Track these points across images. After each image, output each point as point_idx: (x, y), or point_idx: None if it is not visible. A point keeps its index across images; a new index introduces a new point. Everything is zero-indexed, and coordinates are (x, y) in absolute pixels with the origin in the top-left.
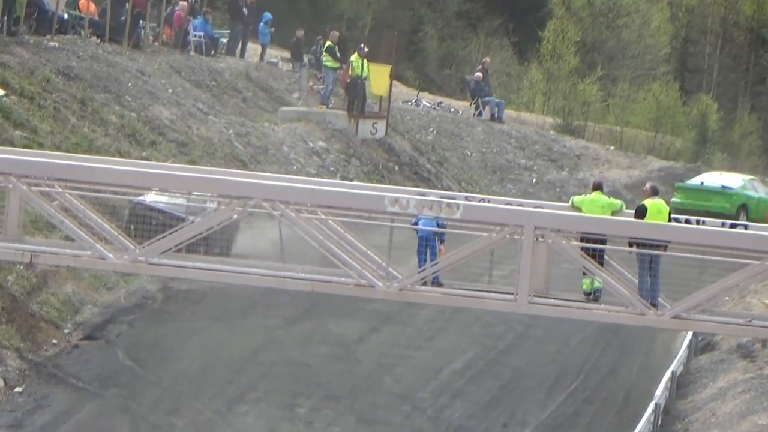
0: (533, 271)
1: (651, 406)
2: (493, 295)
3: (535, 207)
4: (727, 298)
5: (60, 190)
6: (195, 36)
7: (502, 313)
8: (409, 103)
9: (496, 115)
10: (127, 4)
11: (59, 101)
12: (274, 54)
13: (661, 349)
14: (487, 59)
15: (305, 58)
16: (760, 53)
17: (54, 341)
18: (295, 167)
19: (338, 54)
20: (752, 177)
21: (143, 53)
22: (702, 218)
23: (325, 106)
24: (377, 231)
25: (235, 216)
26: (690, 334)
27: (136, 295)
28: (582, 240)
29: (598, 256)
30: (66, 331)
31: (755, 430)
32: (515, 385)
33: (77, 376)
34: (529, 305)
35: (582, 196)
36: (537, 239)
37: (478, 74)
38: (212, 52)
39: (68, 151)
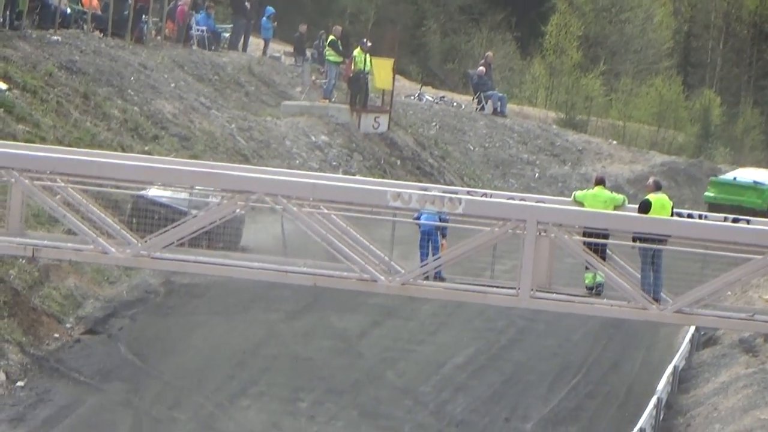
0: (535, 265)
1: (653, 401)
2: (495, 289)
3: (537, 202)
4: (729, 293)
5: (62, 184)
6: (198, 30)
7: (504, 307)
8: (412, 98)
9: (498, 109)
10: None
11: (62, 95)
12: (277, 48)
13: (663, 343)
14: (489, 54)
15: (308, 53)
16: (762, 48)
17: (56, 335)
18: (297, 162)
19: (341, 48)
20: None
21: (146, 47)
22: (704, 213)
23: (327, 101)
24: (379, 226)
25: (238, 210)
26: (692, 329)
27: (139, 289)
28: (584, 235)
29: (600, 251)
30: (68, 325)
31: (757, 425)
32: (517, 379)
33: (79, 370)
34: (532, 300)
35: (584, 190)
36: (539, 234)
37: (481, 69)
38: (214, 47)
39: (71, 146)
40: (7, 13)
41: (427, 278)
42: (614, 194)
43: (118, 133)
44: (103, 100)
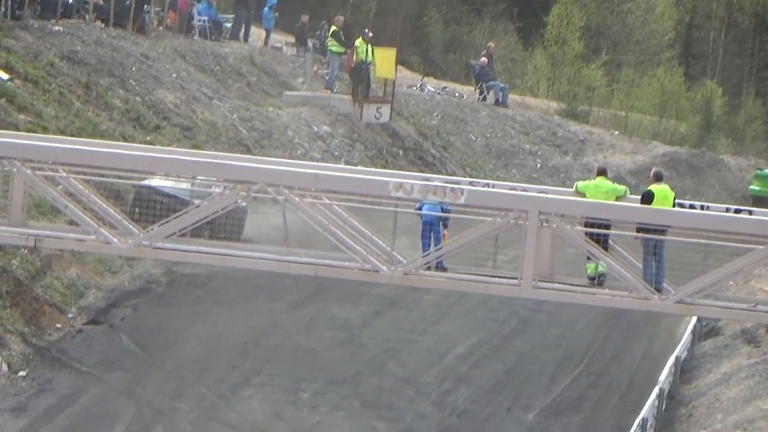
0: (537, 256)
1: (655, 391)
2: (497, 279)
3: (539, 192)
4: (731, 283)
5: (64, 174)
6: (199, 20)
7: (506, 298)
8: (414, 88)
9: (500, 100)
10: None
11: (63, 85)
12: (279, 39)
13: (665, 334)
14: (491, 44)
15: (310, 43)
16: (765, 38)
17: (58, 325)
18: (299, 152)
19: (343, 39)
20: None
21: (148, 38)
22: (706, 204)
23: (329, 91)
24: (381, 216)
25: (240, 201)
26: (694, 319)
27: (141, 279)
28: (586, 225)
29: (602, 241)
30: (70, 315)
31: (759, 415)
32: (519, 369)
33: (81, 360)
34: (534, 290)
35: (586, 181)
36: (541, 224)
37: (483, 59)
38: (216, 37)
39: (72, 136)
40: (9, 3)
41: (429, 268)
42: (616, 185)
43: (120, 123)
44: (104, 91)
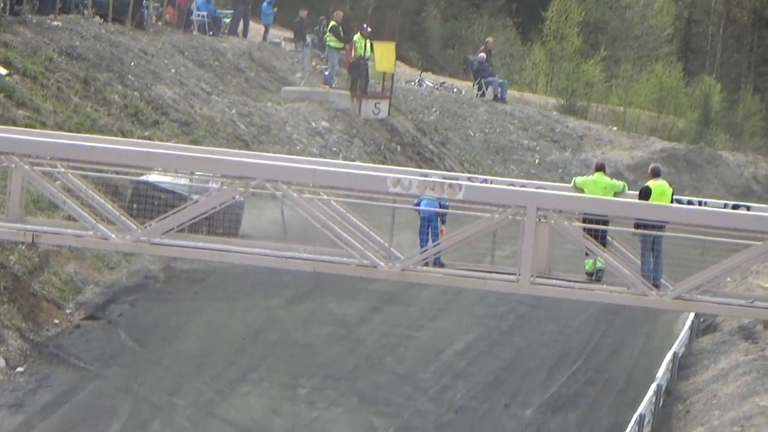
0: (535, 251)
1: (652, 387)
2: (495, 275)
3: (537, 188)
4: (729, 279)
5: (62, 169)
6: (198, 16)
7: (504, 293)
8: (412, 84)
9: (499, 95)
10: None
11: (62, 81)
12: (277, 34)
13: (662, 330)
14: (490, 39)
15: (308, 38)
16: (763, 34)
17: (56, 321)
18: (297, 147)
19: (342, 34)
20: None
21: (146, 33)
22: (705, 199)
23: (328, 86)
24: (379, 211)
25: (238, 196)
26: (692, 316)
27: (138, 275)
28: (584, 221)
29: (600, 237)
30: (68, 311)
31: (756, 412)
32: (517, 365)
33: (79, 356)
34: (531, 286)
35: (584, 177)
36: (539, 220)
37: (481, 54)
38: (215, 32)
39: (71, 131)
40: None
41: (426, 264)
42: (614, 180)
43: (119, 119)
44: (103, 86)
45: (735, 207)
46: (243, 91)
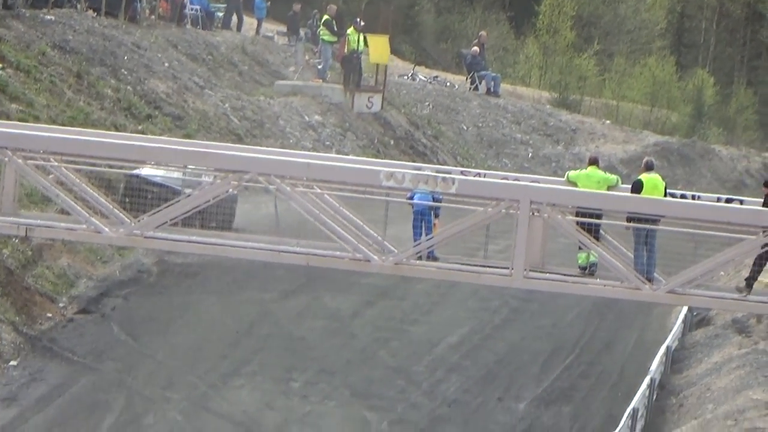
0: (529, 245)
1: (646, 381)
2: (488, 269)
3: (530, 181)
4: (722, 273)
5: (56, 163)
6: (191, 10)
7: (497, 287)
8: (405, 77)
9: (492, 89)
10: None
11: (55, 75)
12: (270, 28)
13: (656, 323)
14: (483, 33)
15: (301, 32)
16: (756, 28)
17: (49, 315)
18: (291, 141)
19: (335, 28)
20: None
21: (139, 27)
22: (698, 193)
23: (321, 80)
24: (373, 205)
25: (231, 190)
26: (685, 309)
27: (132, 268)
28: (577, 215)
29: (593, 231)
30: (61, 304)
31: (750, 405)
32: (510, 359)
33: (72, 349)
34: (525, 280)
35: (578, 170)
36: (533, 214)
37: (475, 48)
38: (207, 26)
39: (64, 125)
40: None
41: (420, 258)
42: (607, 174)
43: (112, 113)
44: (96, 80)
45: (728, 201)
46: (236, 85)
